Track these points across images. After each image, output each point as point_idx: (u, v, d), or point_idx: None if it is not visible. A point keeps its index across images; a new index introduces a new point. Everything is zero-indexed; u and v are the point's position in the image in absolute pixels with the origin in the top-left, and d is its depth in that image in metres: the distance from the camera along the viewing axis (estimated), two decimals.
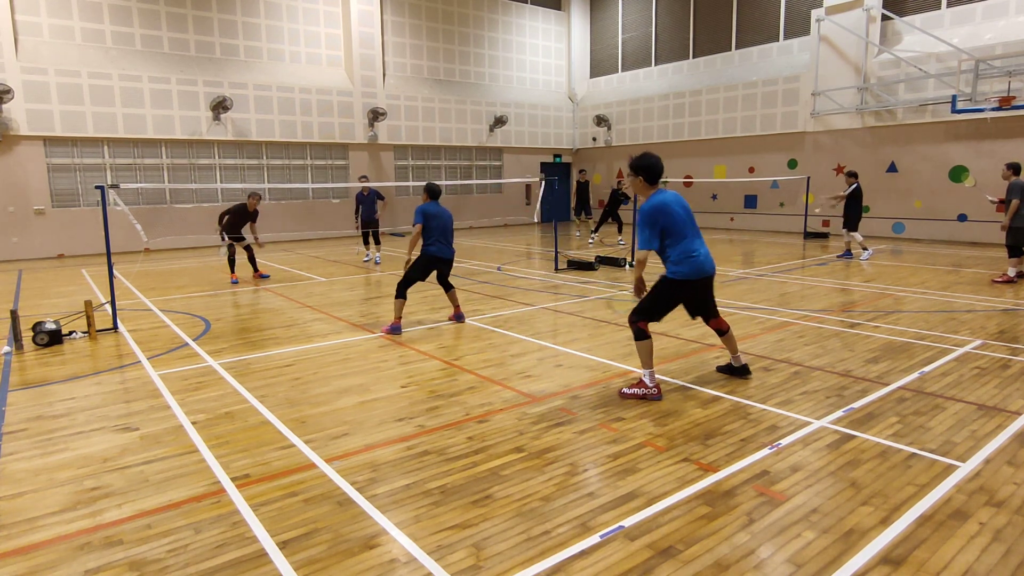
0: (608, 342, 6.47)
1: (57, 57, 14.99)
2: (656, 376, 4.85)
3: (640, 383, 4.76)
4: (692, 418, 4.37)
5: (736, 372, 5.22)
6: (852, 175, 12.41)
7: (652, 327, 5.35)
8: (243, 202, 11.18)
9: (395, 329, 6.99)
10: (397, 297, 7.07)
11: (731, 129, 19.82)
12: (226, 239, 10.98)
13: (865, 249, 12.51)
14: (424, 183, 8.57)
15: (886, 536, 2.89)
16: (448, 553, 2.81)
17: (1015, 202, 9.33)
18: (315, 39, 19.03)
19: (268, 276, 11.46)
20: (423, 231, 7.20)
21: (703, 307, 5.01)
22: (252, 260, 11.36)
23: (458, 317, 7.59)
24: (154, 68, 16.23)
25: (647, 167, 4.77)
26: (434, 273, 7.37)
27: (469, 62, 22.46)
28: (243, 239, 11.20)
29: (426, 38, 21.35)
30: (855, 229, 12.48)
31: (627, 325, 6.68)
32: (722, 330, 5.10)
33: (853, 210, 12.35)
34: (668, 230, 4.70)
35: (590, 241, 16.52)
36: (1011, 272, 9.58)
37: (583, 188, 17.53)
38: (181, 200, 17.00)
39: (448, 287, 7.51)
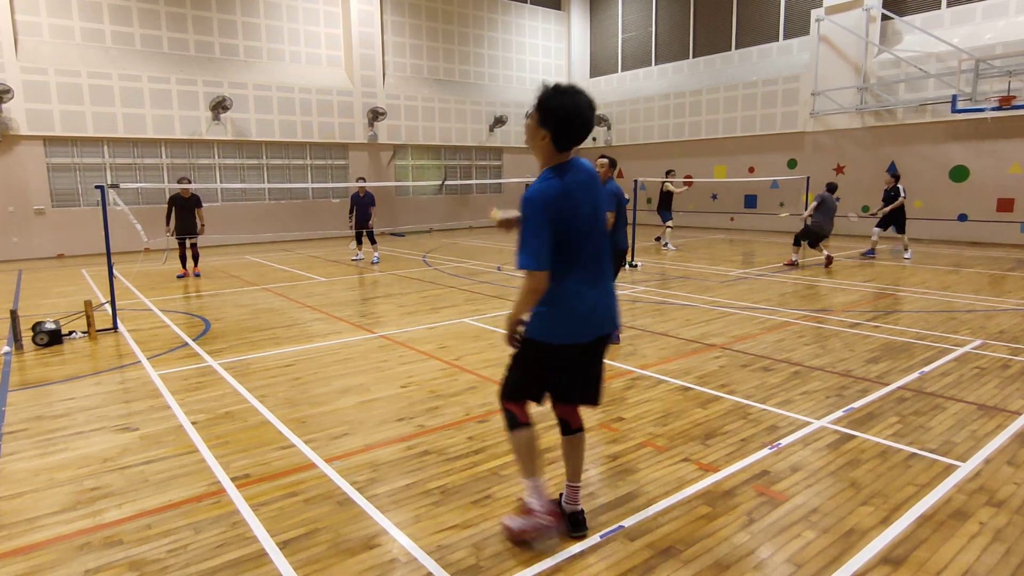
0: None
1: (57, 57, 14.98)
2: (546, 494, 2.86)
3: (524, 509, 2.85)
4: (692, 418, 4.37)
5: (568, 520, 2.93)
6: (896, 176, 12.72)
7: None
8: (176, 194, 11.50)
9: None
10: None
11: (731, 129, 19.82)
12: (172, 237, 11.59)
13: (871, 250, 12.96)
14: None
15: (886, 536, 2.89)
16: (448, 553, 2.81)
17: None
18: (315, 39, 19.02)
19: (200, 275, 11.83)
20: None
21: (576, 384, 2.89)
22: (195, 256, 11.88)
23: None
24: (154, 68, 16.22)
25: (557, 111, 2.58)
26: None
27: (469, 62, 22.46)
28: (194, 235, 11.59)
29: (426, 38, 21.34)
30: (903, 231, 12.61)
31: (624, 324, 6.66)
32: (572, 427, 2.99)
33: (900, 212, 12.50)
34: (560, 241, 2.62)
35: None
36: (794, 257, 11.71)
37: None
38: None
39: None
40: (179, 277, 11.64)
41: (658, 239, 15.86)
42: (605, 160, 6.43)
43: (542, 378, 2.84)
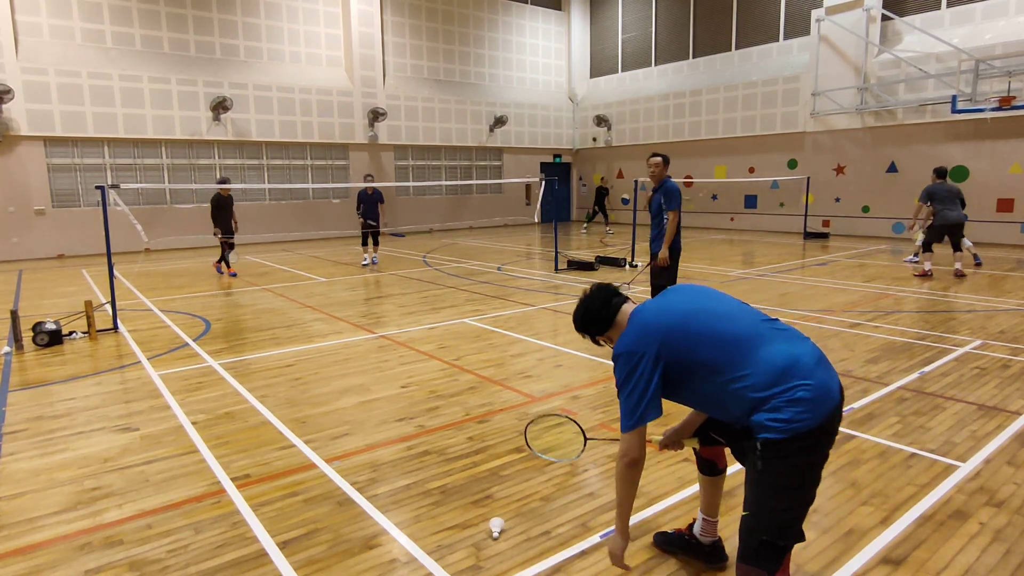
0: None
1: (57, 57, 14.99)
2: None
3: None
4: None
5: (705, 553, 2.70)
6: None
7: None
8: (217, 193, 11.63)
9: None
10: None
11: (731, 129, 19.82)
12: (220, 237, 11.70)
13: (916, 255, 11.94)
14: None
15: (886, 536, 2.88)
16: (448, 553, 2.81)
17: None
18: (315, 39, 19.03)
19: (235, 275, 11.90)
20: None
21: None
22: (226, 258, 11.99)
23: None
24: (154, 68, 16.23)
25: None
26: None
27: (469, 62, 22.46)
28: (231, 234, 11.75)
29: (426, 38, 21.35)
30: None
31: None
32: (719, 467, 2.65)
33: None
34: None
35: (583, 230, 17.78)
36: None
37: (603, 194, 18.38)
38: (181, 200, 17.00)
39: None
40: (220, 273, 11.82)
41: None
42: (658, 158, 6.25)
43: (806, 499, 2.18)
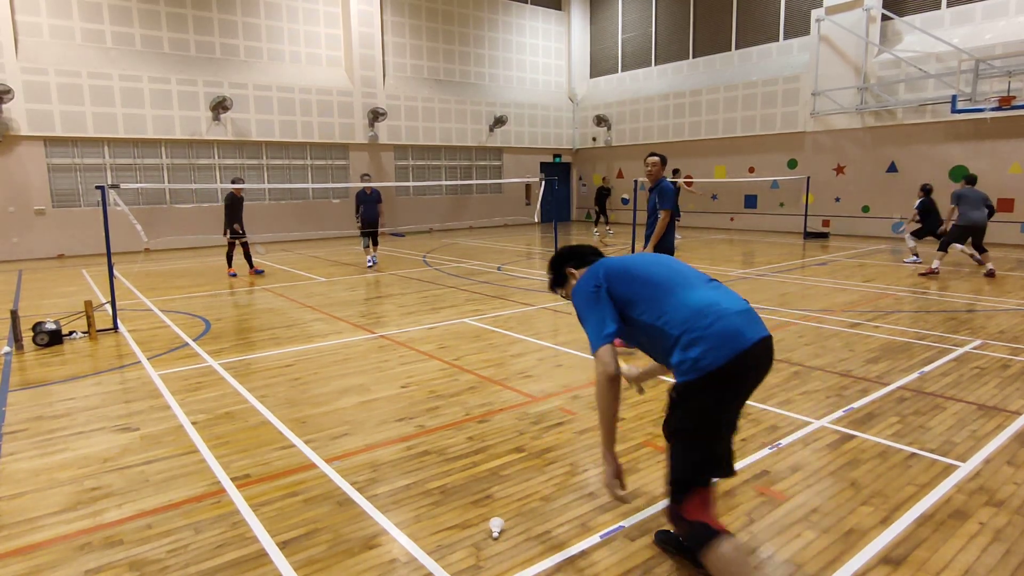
0: None
1: (57, 57, 14.99)
2: None
3: None
4: None
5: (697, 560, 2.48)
6: (923, 189, 12.08)
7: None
8: (231, 193, 11.60)
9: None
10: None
11: (731, 129, 19.82)
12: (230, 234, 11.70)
13: (915, 255, 12.07)
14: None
15: (886, 536, 2.88)
16: (448, 553, 2.81)
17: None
18: (315, 39, 19.03)
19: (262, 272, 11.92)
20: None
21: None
22: (249, 256, 11.94)
23: None
24: (154, 68, 16.23)
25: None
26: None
27: (469, 62, 22.46)
28: (244, 235, 11.74)
29: (426, 38, 21.35)
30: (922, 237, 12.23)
31: None
32: None
33: (927, 222, 11.93)
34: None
35: (604, 233, 18.11)
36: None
37: (604, 194, 18.46)
38: (181, 200, 17.00)
39: None
40: (232, 276, 11.68)
41: None
42: (656, 158, 6.15)
43: (712, 432, 2.35)
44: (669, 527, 2.88)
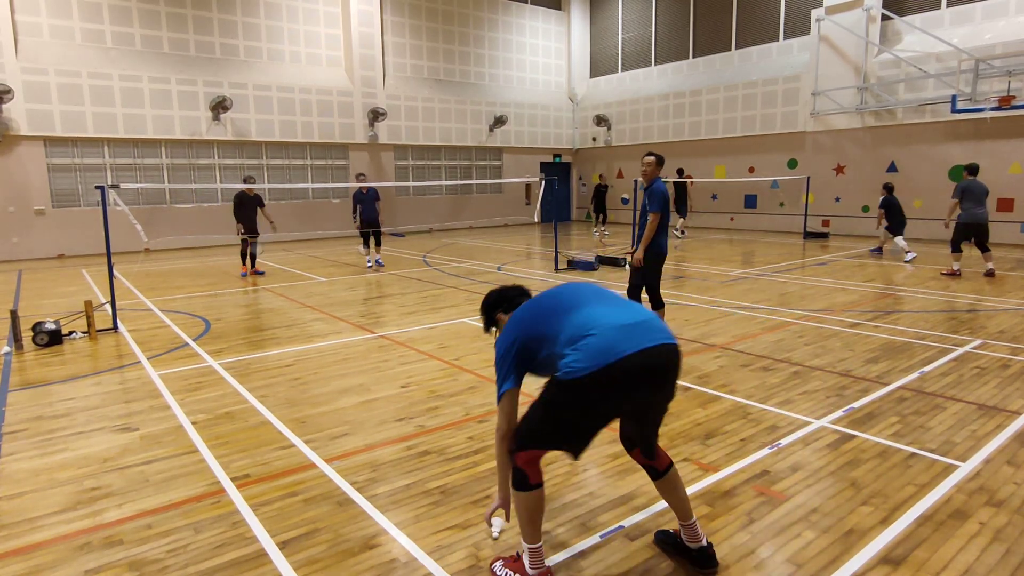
0: None
1: (57, 57, 14.99)
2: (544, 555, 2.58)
3: (514, 562, 2.61)
4: (692, 418, 4.37)
5: (692, 558, 2.68)
6: (885, 187, 12.88)
7: None
8: (239, 191, 11.50)
9: None
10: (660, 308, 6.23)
11: (731, 129, 19.82)
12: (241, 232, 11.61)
13: (907, 252, 12.35)
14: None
15: (886, 536, 2.89)
16: (448, 553, 2.81)
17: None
18: (315, 39, 19.03)
19: (264, 273, 11.83)
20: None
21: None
22: (252, 256, 11.80)
23: None
24: (154, 68, 16.23)
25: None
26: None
27: (469, 62, 22.46)
28: (257, 233, 11.64)
29: (426, 38, 21.35)
30: (897, 234, 12.77)
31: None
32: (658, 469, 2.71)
33: (891, 218, 12.71)
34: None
35: (602, 233, 18.21)
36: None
37: (602, 192, 18.47)
38: (181, 200, 17.00)
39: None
40: (243, 276, 11.59)
41: (675, 228, 17.74)
42: (652, 158, 6.00)
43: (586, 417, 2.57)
44: (668, 528, 2.89)
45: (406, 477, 3.56)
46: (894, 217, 12.64)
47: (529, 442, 2.47)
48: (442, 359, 5.95)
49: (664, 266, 6.31)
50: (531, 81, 24.22)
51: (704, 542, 2.66)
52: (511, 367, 2.54)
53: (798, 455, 3.74)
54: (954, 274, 10.25)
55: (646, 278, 6.14)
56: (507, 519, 2.77)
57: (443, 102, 21.46)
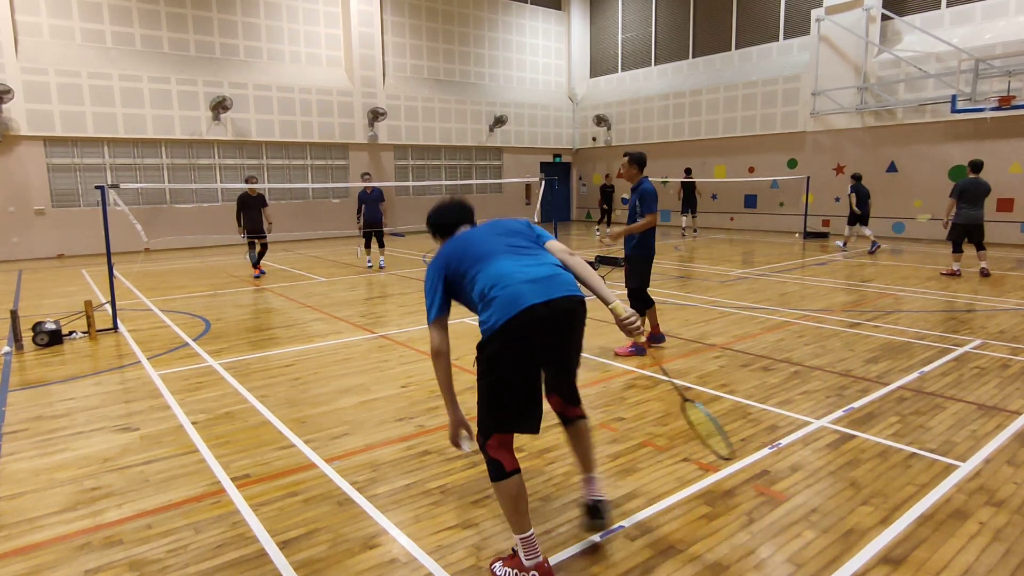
0: (609, 341, 6.46)
1: (57, 57, 14.99)
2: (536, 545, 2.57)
3: (512, 559, 2.63)
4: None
5: (586, 510, 2.95)
6: (853, 177, 13.67)
7: None
8: (244, 192, 11.40)
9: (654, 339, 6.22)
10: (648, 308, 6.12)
11: (731, 129, 19.82)
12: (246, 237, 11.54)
13: (871, 241, 13.48)
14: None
15: (886, 536, 2.89)
16: (448, 553, 2.81)
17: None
18: (315, 39, 19.03)
19: (264, 273, 11.76)
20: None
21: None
22: (261, 255, 11.71)
23: (655, 339, 6.23)
24: (154, 68, 16.22)
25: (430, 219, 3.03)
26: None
27: (469, 62, 22.46)
28: (263, 235, 11.54)
29: (426, 38, 21.35)
30: (854, 224, 13.73)
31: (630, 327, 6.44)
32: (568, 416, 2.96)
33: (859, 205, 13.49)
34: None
35: (604, 234, 18.40)
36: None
37: (608, 192, 18.53)
38: (181, 200, 17.00)
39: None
40: (256, 277, 11.45)
41: (685, 229, 18.26)
42: (625, 159, 5.90)
43: (510, 391, 2.75)
44: (666, 526, 2.89)
45: (406, 477, 3.56)
46: (861, 204, 13.37)
47: (488, 428, 2.58)
48: None
49: (662, 266, 6.28)
50: (531, 81, 24.21)
51: (599, 496, 2.91)
52: (438, 296, 2.68)
53: (798, 455, 3.75)
54: (954, 274, 10.28)
55: (641, 280, 6.06)
56: (470, 436, 2.80)
57: (443, 102, 21.46)
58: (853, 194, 13.30)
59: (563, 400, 2.90)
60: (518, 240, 2.76)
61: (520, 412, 2.57)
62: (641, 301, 6.11)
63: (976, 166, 10.08)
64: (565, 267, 2.73)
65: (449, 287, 2.69)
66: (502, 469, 2.55)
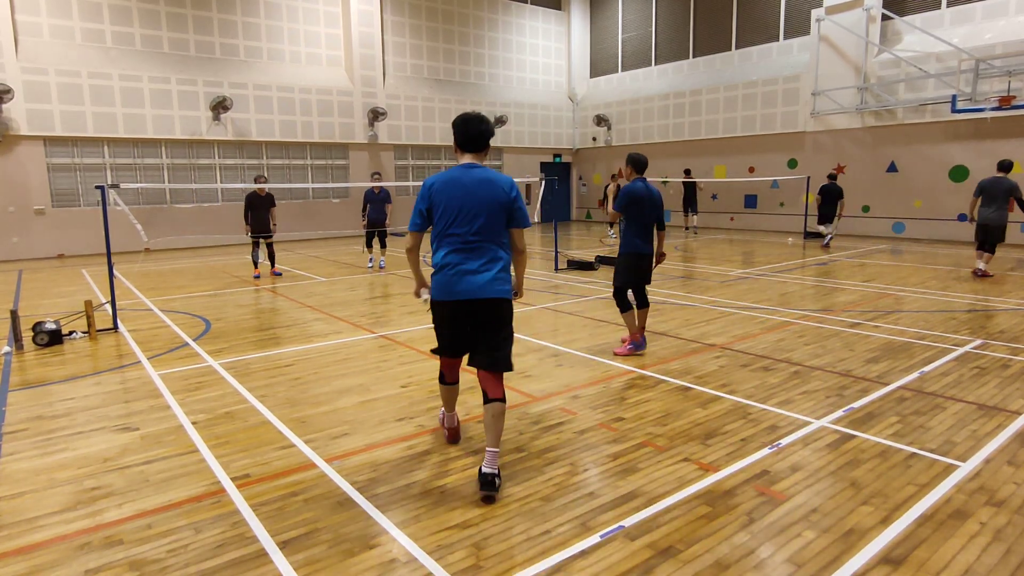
0: (609, 342, 6.47)
1: (57, 57, 14.99)
2: (451, 420, 4.03)
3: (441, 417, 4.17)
4: (692, 418, 4.37)
5: (479, 479, 3.30)
6: (828, 176, 14.63)
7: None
8: (252, 192, 11.30)
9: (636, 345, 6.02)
10: (625, 311, 5.93)
11: (731, 129, 19.82)
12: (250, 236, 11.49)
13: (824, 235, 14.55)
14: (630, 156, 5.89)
15: (886, 536, 2.89)
16: (448, 553, 2.81)
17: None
18: (315, 39, 19.03)
19: (281, 274, 11.74)
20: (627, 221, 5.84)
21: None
22: (271, 255, 11.68)
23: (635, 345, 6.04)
24: (154, 68, 16.22)
25: (455, 124, 3.62)
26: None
27: (469, 62, 22.46)
28: (269, 235, 11.47)
29: (426, 38, 21.35)
30: (823, 223, 14.62)
31: (621, 325, 6.52)
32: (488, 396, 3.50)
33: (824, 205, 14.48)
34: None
35: (611, 235, 18.54)
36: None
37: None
38: (181, 200, 17.00)
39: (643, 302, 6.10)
40: (255, 278, 11.38)
41: (687, 228, 18.85)
42: (627, 165, 5.85)
43: (440, 336, 3.72)
44: (661, 529, 2.90)
45: (406, 477, 3.56)
46: (826, 204, 14.23)
47: (437, 351, 3.78)
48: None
49: (664, 266, 6.27)
50: (531, 81, 24.21)
51: (493, 470, 3.27)
52: (419, 215, 3.51)
53: (798, 455, 3.75)
54: (983, 273, 10.00)
55: (614, 278, 6.00)
56: (429, 293, 3.59)
57: (443, 102, 21.46)
58: (819, 196, 14.29)
59: (483, 364, 3.52)
60: (472, 216, 3.39)
61: (451, 347, 3.67)
62: (620, 302, 5.94)
63: (1003, 166, 9.91)
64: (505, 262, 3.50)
65: (427, 211, 3.48)
66: (444, 378, 3.88)
